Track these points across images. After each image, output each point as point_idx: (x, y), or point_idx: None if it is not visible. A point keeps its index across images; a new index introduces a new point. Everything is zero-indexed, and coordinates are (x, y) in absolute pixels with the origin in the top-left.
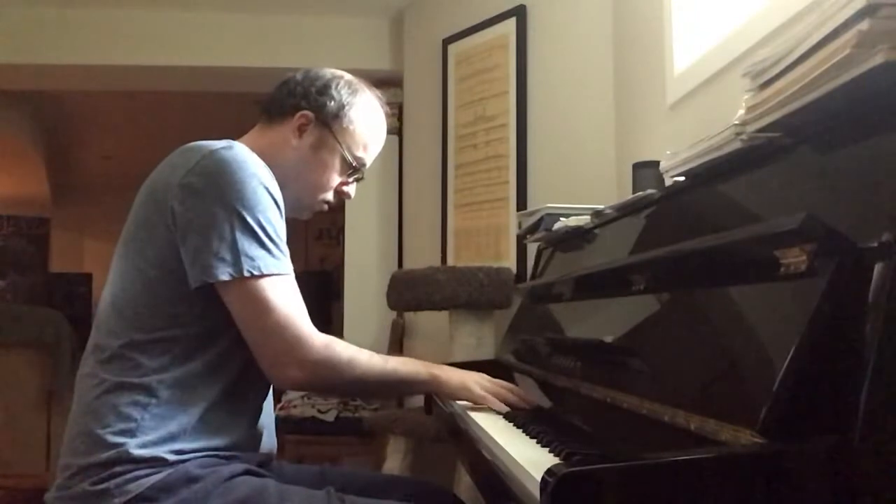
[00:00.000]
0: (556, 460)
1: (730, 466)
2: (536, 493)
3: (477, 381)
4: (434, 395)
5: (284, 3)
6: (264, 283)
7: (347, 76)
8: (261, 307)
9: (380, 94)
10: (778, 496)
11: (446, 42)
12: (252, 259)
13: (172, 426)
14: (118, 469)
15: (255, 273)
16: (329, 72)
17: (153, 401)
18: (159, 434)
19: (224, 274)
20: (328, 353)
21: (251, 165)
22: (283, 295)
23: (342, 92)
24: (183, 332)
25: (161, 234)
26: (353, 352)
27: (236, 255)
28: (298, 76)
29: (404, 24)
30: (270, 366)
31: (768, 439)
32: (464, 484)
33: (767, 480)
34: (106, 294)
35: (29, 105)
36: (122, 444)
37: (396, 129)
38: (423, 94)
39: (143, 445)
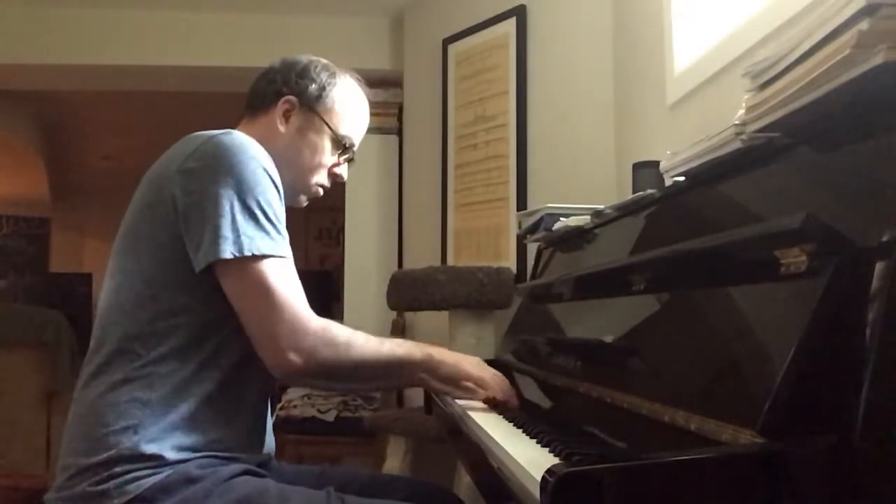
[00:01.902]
0: (556, 460)
1: (730, 466)
2: (536, 493)
3: (473, 364)
4: (430, 379)
5: (285, 3)
6: (263, 265)
7: (324, 60)
8: (260, 289)
9: (358, 77)
10: (778, 496)
11: (446, 42)
12: (251, 239)
13: (172, 416)
14: (117, 469)
15: (256, 253)
16: (305, 57)
17: (152, 396)
18: (159, 427)
19: (226, 252)
20: (326, 336)
21: (250, 148)
22: (282, 278)
23: (322, 74)
24: (184, 321)
25: (162, 223)
26: (350, 334)
27: (237, 235)
28: (276, 64)
29: (404, 24)
30: (268, 352)
31: (768, 439)
32: (464, 484)
33: (767, 480)
34: (106, 290)
35: (29, 105)
36: (122, 443)
37: (396, 129)
38: (423, 94)
39: (144, 442)
